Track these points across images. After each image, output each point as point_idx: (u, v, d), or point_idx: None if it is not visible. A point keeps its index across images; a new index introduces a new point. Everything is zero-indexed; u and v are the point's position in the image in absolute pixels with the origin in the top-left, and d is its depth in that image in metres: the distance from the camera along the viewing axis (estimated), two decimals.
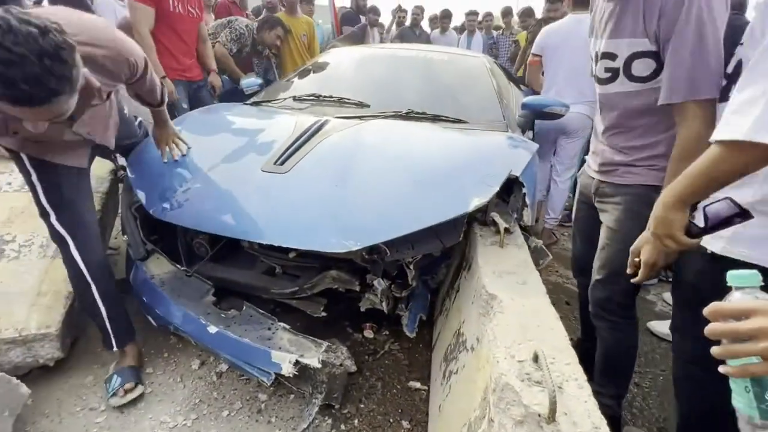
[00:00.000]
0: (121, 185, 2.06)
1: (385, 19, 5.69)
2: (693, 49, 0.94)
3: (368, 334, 1.76)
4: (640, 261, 1.00)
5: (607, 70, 1.15)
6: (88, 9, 2.56)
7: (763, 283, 0.51)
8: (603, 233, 1.27)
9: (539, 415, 0.68)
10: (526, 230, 1.61)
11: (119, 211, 2.08)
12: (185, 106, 2.65)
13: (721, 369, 0.50)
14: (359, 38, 4.03)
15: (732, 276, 0.51)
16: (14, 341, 1.33)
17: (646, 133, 1.15)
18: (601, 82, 1.20)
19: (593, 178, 1.32)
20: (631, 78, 1.10)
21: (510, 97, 2.53)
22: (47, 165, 1.33)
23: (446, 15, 5.51)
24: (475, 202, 1.26)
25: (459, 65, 2.40)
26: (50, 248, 1.58)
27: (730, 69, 0.92)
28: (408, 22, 5.45)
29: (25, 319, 1.36)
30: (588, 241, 1.40)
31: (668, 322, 1.94)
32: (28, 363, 1.39)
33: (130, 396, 1.38)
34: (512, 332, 0.88)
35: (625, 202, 1.19)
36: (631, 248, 1.03)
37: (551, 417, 0.66)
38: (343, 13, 4.72)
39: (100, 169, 1.99)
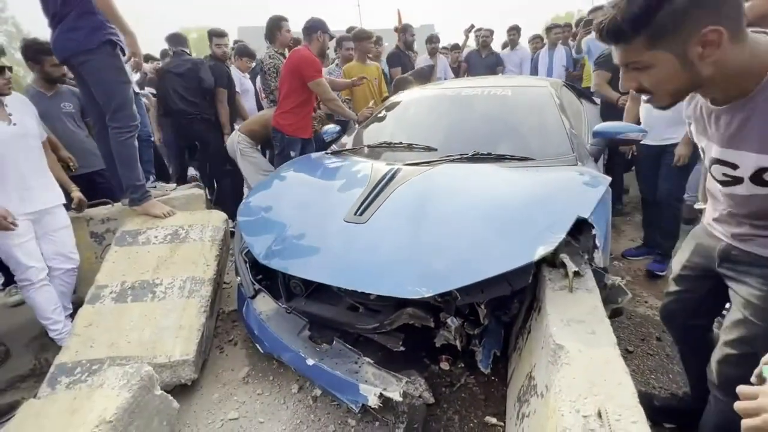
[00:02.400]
0: (233, 232, 2.49)
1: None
2: None
3: (444, 366, 1.86)
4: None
5: (726, 175, 1.04)
6: None
7: None
8: (740, 306, 1.12)
9: None
10: (604, 269, 1.60)
11: (230, 252, 2.51)
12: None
13: None
14: (427, 75, 4.22)
15: (765, 369, 0.60)
16: (165, 365, 1.72)
17: None
18: (721, 183, 1.08)
19: (722, 241, 1.18)
20: (762, 183, 0.97)
21: (581, 123, 2.49)
22: None
23: (513, 28, 5.46)
24: (540, 252, 1.32)
25: (522, 98, 2.44)
26: (186, 289, 1.99)
27: None
28: (475, 44, 5.53)
29: (172, 348, 1.75)
30: (693, 303, 1.35)
31: None
32: (173, 382, 1.77)
33: None
34: (578, 386, 0.93)
35: None
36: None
37: None
38: (389, 54, 4.71)
39: (216, 219, 2.43)
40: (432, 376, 1.84)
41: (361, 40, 3.73)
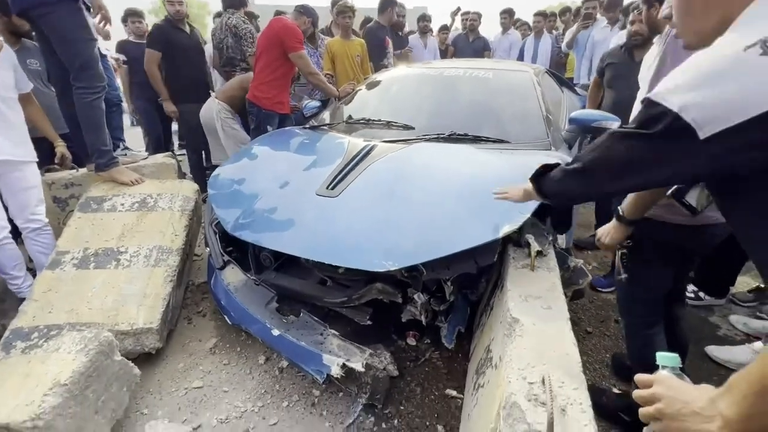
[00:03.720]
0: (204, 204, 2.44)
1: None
2: None
3: (411, 341, 1.90)
4: None
5: None
6: None
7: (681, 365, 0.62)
8: None
9: None
10: (567, 251, 1.64)
11: (202, 224, 2.46)
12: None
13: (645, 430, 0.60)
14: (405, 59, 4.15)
15: (659, 356, 0.64)
16: (127, 333, 1.69)
17: None
18: None
19: None
20: None
21: (560, 111, 2.51)
22: None
23: (505, 11, 5.38)
24: (505, 229, 1.35)
25: (503, 82, 2.44)
26: (152, 258, 1.95)
27: None
28: (461, 28, 5.46)
29: (135, 315, 1.72)
30: None
31: (729, 348, 1.84)
32: (137, 350, 1.75)
33: None
34: (528, 355, 0.97)
35: None
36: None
37: None
38: (367, 28, 4.34)
39: (187, 189, 2.37)
40: (398, 351, 1.87)
41: (342, 14, 3.62)
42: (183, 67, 3.32)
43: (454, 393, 1.64)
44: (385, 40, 4.08)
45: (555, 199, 1.09)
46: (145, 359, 1.81)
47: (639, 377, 0.62)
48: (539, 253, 1.39)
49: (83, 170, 2.42)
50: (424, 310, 1.61)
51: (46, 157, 2.35)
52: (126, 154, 2.75)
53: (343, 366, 1.45)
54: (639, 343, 1.45)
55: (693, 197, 1.09)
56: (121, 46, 3.87)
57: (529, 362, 0.95)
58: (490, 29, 5.79)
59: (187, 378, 1.76)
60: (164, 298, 1.81)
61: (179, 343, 1.97)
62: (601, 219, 2.82)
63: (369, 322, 1.71)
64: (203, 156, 3.70)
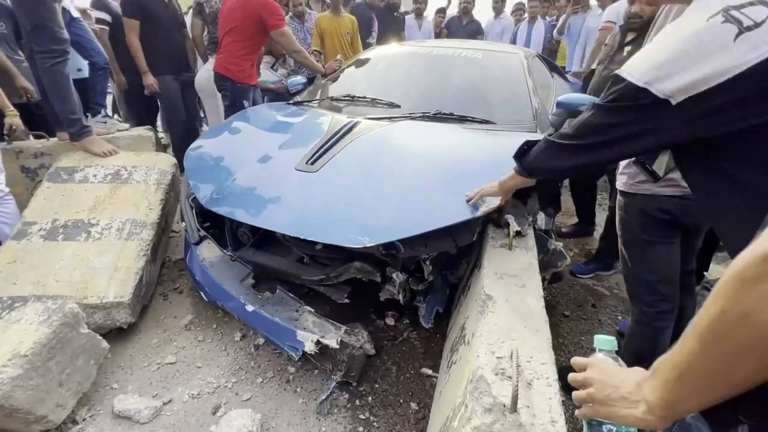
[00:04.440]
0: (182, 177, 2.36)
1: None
2: None
3: (389, 321, 1.90)
4: None
5: None
6: None
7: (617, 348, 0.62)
8: None
9: (504, 405, 0.77)
10: (547, 233, 1.64)
11: (180, 199, 2.39)
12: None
13: (577, 413, 0.60)
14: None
15: (597, 339, 0.64)
16: (97, 306, 1.64)
17: None
18: None
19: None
20: None
21: (549, 95, 2.49)
22: None
23: None
24: (484, 208, 1.33)
25: (493, 63, 2.40)
26: (124, 231, 1.89)
27: None
28: (454, 10, 5.35)
29: (105, 289, 1.67)
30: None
31: None
32: (108, 325, 1.70)
33: None
34: (498, 331, 0.96)
35: None
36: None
37: (513, 408, 0.75)
38: (354, 5, 4.28)
39: (164, 162, 2.29)
40: (377, 330, 1.87)
41: None
42: (161, 38, 3.11)
43: (429, 372, 1.64)
44: (372, 19, 3.97)
45: (541, 173, 1.10)
46: (117, 334, 1.77)
47: (575, 360, 0.62)
48: (518, 233, 1.38)
49: (54, 139, 2.31)
50: (402, 290, 1.60)
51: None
52: (106, 122, 2.62)
53: (318, 342, 1.43)
54: (641, 339, 1.42)
55: (657, 164, 1.13)
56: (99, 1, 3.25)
57: (499, 338, 0.94)
58: (484, 13, 5.67)
59: (160, 353, 1.73)
60: (136, 272, 1.76)
61: (153, 319, 1.92)
62: (580, 204, 2.84)
63: (347, 301, 1.69)
64: (202, 121, 3.53)
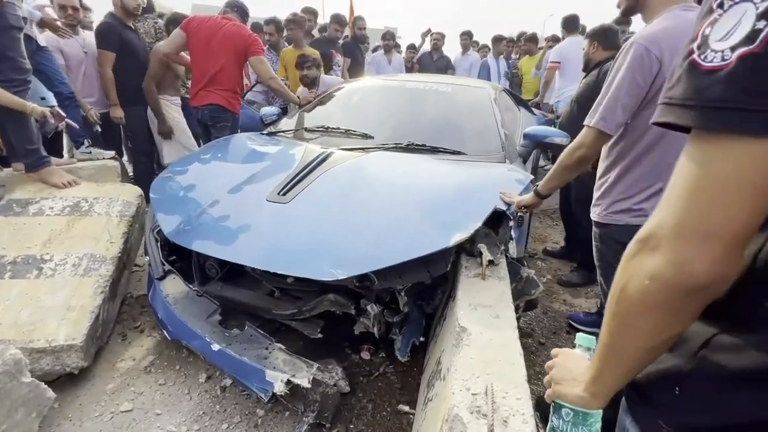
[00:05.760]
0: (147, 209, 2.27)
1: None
2: None
3: (365, 355, 1.83)
4: None
5: None
6: None
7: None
8: None
9: None
10: (519, 261, 1.66)
11: (145, 231, 2.29)
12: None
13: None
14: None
15: (579, 337, 0.68)
16: (45, 350, 1.50)
17: None
18: None
19: None
20: None
21: (516, 126, 2.60)
22: None
23: (465, 33, 5.62)
24: (456, 238, 1.34)
25: (462, 96, 2.50)
26: (81, 267, 1.77)
27: None
28: (427, 47, 5.62)
29: (55, 331, 1.54)
30: None
31: None
32: (57, 371, 1.56)
33: None
34: (473, 366, 0.94)
35: None
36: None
37: None
38: (343, 43, 4.54)
39: (129, 194, 2.20)
40: (352, 365, 1.80)
41: (289, 25, 3.63)
42: (133, 69, 3.07)
43: (406, 408, 1.57)
44: (332, 53, 4.15)
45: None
46: (67, 380, 1.62)
47: (554, 350, 0.68)
48: (491, 263, 1.39)
49: (8, 170, 2.19)
50: (377, 322, 1.55)
51: None
52: (91, 152, 2.58)
53: (288, 382, 1.36)
54: None
55: None
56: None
57: (474, 372, 0.91)
58: (453, 50, 6.01)
59: (114, 401, 1.59)
60: (92, 311, 1.64)
61: (109, 362, 1.78)
62: (569, 225, 2.91)
63: (320, 335, 1.63)
64: (155, 158, 3.48)
